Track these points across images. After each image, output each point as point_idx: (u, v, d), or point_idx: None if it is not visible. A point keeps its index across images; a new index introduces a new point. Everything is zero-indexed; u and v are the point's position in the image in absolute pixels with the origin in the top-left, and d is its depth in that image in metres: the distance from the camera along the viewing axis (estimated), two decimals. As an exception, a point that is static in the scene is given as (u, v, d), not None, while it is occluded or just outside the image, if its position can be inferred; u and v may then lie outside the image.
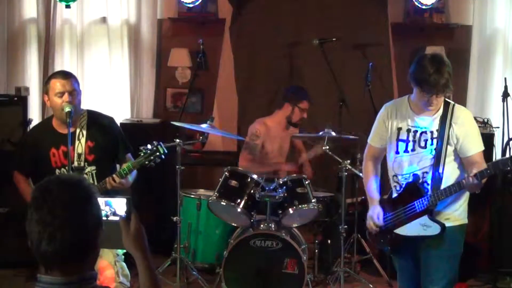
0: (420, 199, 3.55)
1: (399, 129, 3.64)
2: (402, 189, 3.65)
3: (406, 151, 3.61)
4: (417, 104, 3.58)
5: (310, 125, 5.71)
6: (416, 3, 6.09)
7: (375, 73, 5.84)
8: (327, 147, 4.98)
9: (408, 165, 3.61)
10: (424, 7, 6.09)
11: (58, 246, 1.80)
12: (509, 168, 3.38)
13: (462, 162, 3.57)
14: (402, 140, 3.62)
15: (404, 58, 6.16)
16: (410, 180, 3.60)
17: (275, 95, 6.13)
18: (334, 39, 5.64)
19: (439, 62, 3.44)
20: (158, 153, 3.88)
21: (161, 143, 3.92)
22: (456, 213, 3.61)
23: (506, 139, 5.43)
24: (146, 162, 3.89)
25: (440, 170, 3.51)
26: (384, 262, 5.26)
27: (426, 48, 6.01)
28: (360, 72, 5.84)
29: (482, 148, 3.57)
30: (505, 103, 5.50)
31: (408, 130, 3.60)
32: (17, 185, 4.14)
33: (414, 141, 3.59)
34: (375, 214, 3.74)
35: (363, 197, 4.13)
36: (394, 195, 3.72)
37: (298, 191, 4.83)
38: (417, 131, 3.59)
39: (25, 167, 4.12)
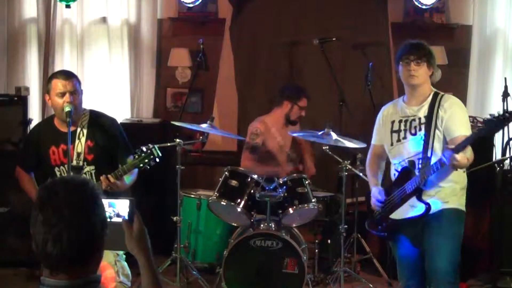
0: (410, 181, 3.64)
1: (392, 122, 3.81)
2: (398, 174, 3.78)
3: (398, 140, 3.76)
4: (408, 95, 3.77)
5: (310, 124, 5.70)
6: (416, 3, 6.09)
7: (375, 73, 5.83)
8: (327, 147, 5.00)
9: (402, 152, 3.74)
10: (424, 7, 6.09)
11: (64, 248, 1.78)
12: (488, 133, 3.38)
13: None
14: (395, 131, 3.78)
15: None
16: (405, 165, 3.71)
17: (275, 95, 6.12)
18: (334, 39, 5.64)
19: (419, 42, 3.78)
20: (152, 156, 3.86)
21: (155, 146, 3.89)
22: (455, 198, 3.69)
23: (506, 139, 5.42)
24: (141, 165, 3.88)
25: (429, 154, 3.61)
26: (384, 262, 5.27)
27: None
28: (360, 72, 5.85)
29: (468, 132, 3.56)
30: (505, 103, 5.49)
31: (400, 121, 3.78)
32: (19, 181, 4.19)
33: (405, 130, 3.74)
34: (377, 191, 3.88)
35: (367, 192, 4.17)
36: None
37: (298, 190, 4.84)
38: (407, 120, 3.75)
39: (26, 163, 4.17)
